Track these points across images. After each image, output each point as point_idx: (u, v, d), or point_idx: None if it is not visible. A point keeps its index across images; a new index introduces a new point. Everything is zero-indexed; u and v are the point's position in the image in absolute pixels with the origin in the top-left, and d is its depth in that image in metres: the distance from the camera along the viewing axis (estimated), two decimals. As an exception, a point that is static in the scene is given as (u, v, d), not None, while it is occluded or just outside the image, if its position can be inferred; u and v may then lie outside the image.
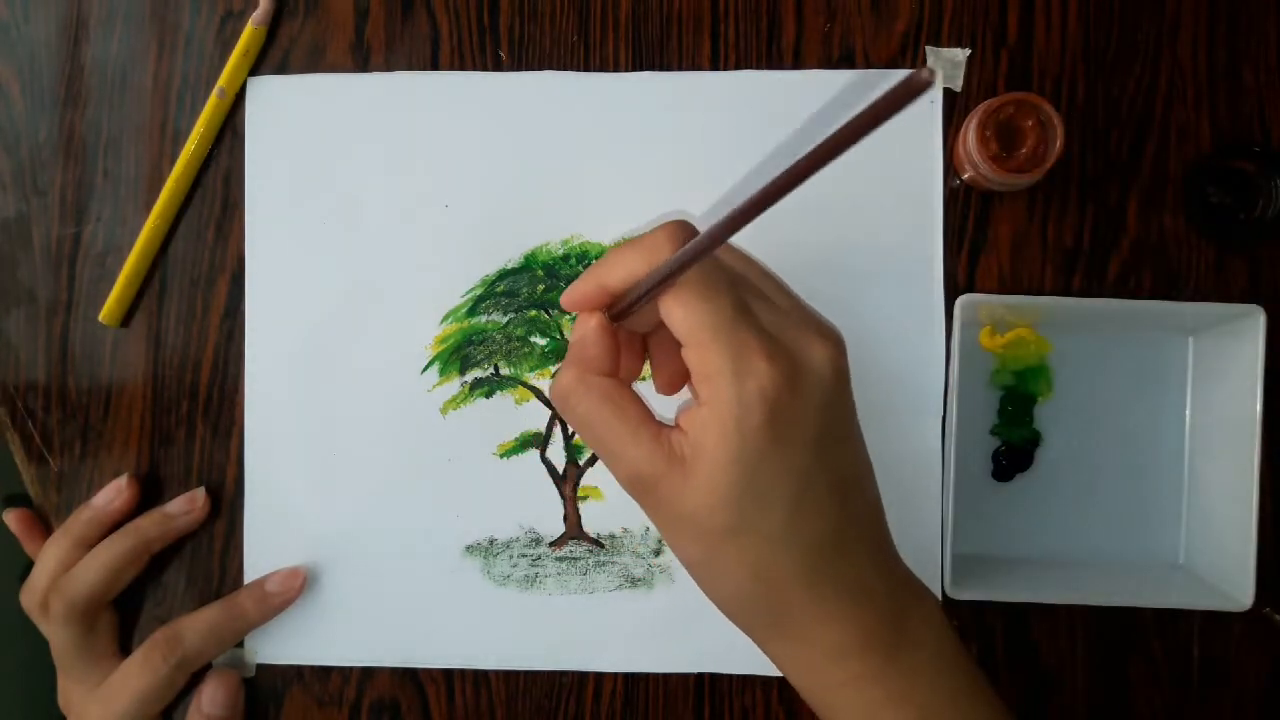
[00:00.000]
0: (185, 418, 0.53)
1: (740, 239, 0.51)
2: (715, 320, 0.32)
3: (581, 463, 0.52)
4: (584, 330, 0.35)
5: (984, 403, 0.51)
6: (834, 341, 0.34)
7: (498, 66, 0.52)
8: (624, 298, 0.34)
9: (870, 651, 0.34)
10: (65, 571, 0.49)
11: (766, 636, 0.35)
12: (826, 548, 0.33)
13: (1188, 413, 0.51)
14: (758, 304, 0.34)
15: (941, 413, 0.50)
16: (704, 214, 0.51)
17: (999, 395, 0.51)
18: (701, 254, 0.31)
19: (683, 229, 0.34)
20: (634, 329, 0.37)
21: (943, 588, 0.49)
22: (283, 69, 0.53)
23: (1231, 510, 0.48)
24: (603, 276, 0.34)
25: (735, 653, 0.51)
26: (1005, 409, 0.51)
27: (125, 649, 0.51)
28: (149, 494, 0.52)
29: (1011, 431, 0.50)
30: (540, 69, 0.52)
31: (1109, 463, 0.51)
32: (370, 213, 0.52)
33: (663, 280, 0.32)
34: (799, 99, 0.51)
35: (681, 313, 0.32)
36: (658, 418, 0.34)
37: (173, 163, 0.52)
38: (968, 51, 0.51)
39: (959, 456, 0.48)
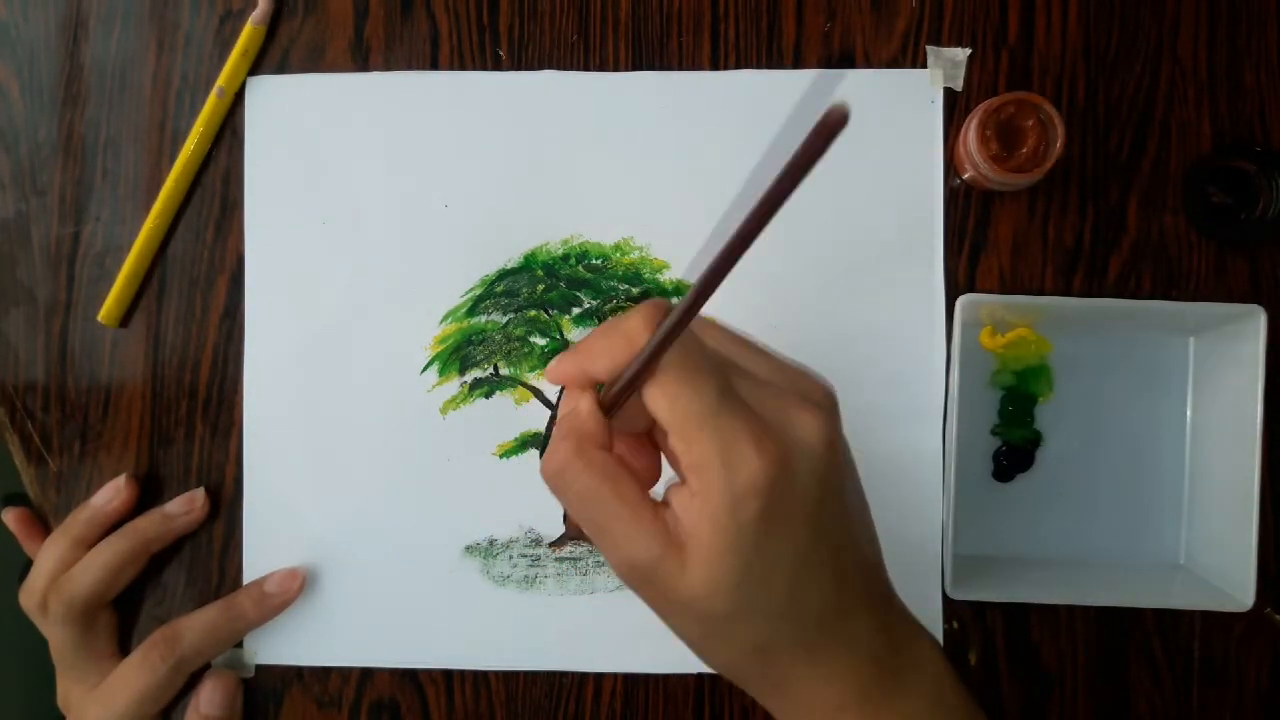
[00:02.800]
0: (184, 418, 0.53)
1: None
2: (700, 409, 0.31)
3: (581, 463, 0.51)
4: (575, 405, 0.34)
5: (984, 403, 0.51)
6: (822, 407, 0.33)
7: (497, 66, 0.52)
8: (610, 386, 0.33)
9: (866, 703, 0.34)
10: (64, 571, 0.49)
11: (763, 696, 0.35)
12: (827, 615, 0.33)
13: (1188, 413, 0.51)
14: (742, 381, 0.33)
15: (942, 412, 0.50)
16: (701, 216, 0.51)
17: (999, 395, 0.51)
18: (677, 330, 0.30)
19: (657, 309, 0.32)
20: (626, 429, 0.36)
21: (943, 588, 0.49)
22: (282, 68, 0.53)
23: (1232, 510, 0.48)
24: (585, 363, 0.33)
25: (735, 653, 0.50)
26: (1006, 409, 0.50)
27: (124, 649, 0.51)
28: (148, 494, 0.52)
29: (1012, 431, 0.50)
30: (540, 69, 0.52)
31: (1110, 463, 0.51)
32: (370, 212, 0.52)
33: (644, 366, 0.31)
34: (799, 99, 0.51)
35: (666, 403, 0.31)
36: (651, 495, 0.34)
37: (172, 162, 0.52)
38: (968, 51, 0.51)
39: (959, 456, 0.48)
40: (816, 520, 0.32)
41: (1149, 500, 0.51)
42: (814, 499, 0.32)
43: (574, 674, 0.51)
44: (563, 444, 0.33)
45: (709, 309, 0.31)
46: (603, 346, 0.33)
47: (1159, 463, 0.51)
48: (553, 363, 0.34)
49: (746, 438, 0.31)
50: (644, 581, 0.32)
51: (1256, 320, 0.47)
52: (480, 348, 0.52)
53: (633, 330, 0.32)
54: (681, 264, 0.51)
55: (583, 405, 0.33)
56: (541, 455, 0.51)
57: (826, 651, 0.33)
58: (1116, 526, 0.51)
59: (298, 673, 0.52)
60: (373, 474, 0.52)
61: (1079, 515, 0.51)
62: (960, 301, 0.48)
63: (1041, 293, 0.50)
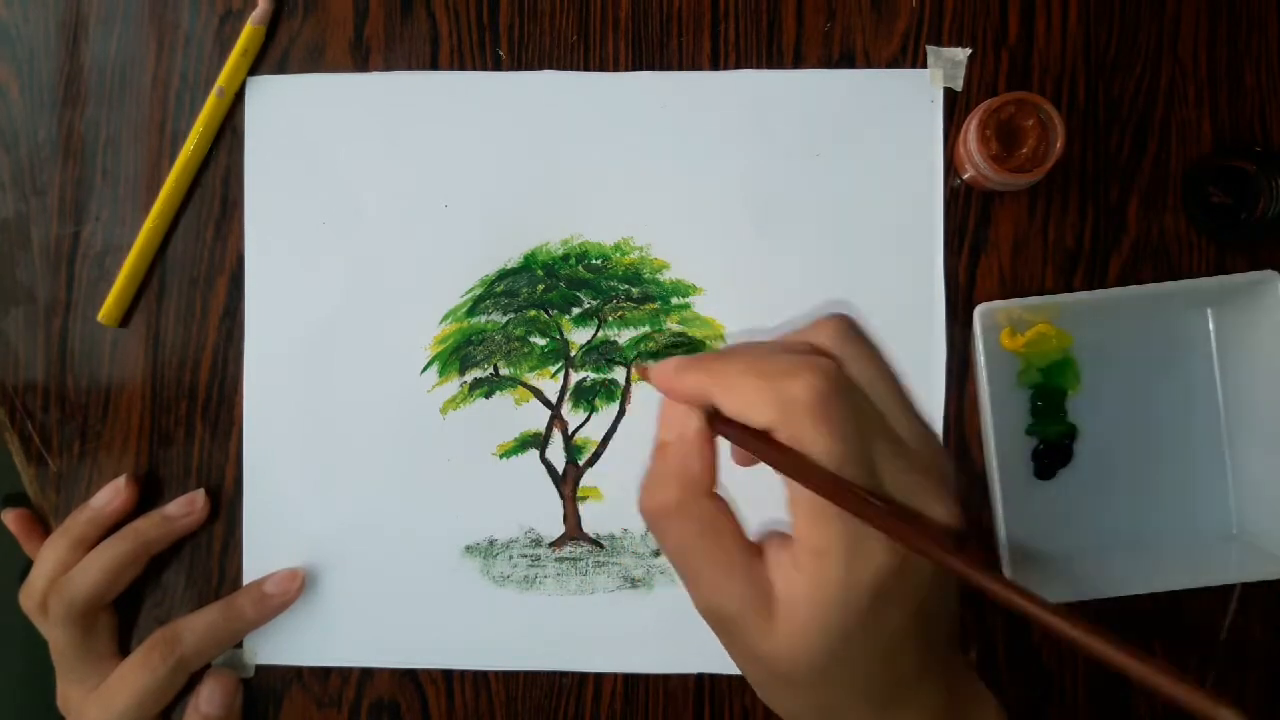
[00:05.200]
0: (184, 418, 0.52)
1: (739, 241, 0.51)
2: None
3: (581, 463, 0.51)
4: (686, 435, 0.30)
5: (1015, 404, 0.50)
6: (953, 495, 0.30)
7: (497, 66, 0.52)
8: (734, 427, 0.30)
9: None
10: (64, 572, 0.49)
11: None
12: (902, 688, 0.32)
13: (1218, 381, 0.50)
14: (885, 457, 0.29)
15: (943, 412, 0.50)
16: (701, 216, 0.51)
17: (1029, 394, 0.50)
18: (840, 503, 0.27)
19: (821, 377, 0.28)
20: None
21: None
22: (282, 68, 0.53)
23: (1276, 472, 0.47)
24: (716, 392, 0.29)
25: (735, 653, 0.50)
26: (1036, 406, 0.50)
27: (124, 650, 0.51)
28: (148, 494, 0.52)
29: (1047, 428, 0.50)
30: (540, 69, 0.52)
31: (1148, 444, 0.50)
32: (370, 213, 0.52)
33: (790, 473, 0.28)
34: (799, 99, 0.51)
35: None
36: (749, 535, 0.31)
37: (172, 162, 0.52)
38: (968, 51, 0.51)
39: (999, 462, 0.48)
40: (919, 608, 0.30)
41: (1193, 475, 0.50)
42: (925, 588, 0.30)
43: (574, 674, 0.51)
44: (666, 486, 0.31)
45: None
46: (747, 388, 0.29)
47: (1197, 435, 0.50)
48: (672, 366, 0.30)
49: (877, 532, 0.28)
50: (722, 628, 0.31)
51: (1273, 286, 0.46)
52: (480, 348, 0.52)
53: (792, 396, 0.28)
54: (682, 264, 0.51)
55: (691, 434, 0.30)
56: (541, 455, 0.51)
57: (893, 714, 0.32)
58: (1165, 506, 0.50)
59: (298, 673, 0.52)
60: (373, 474, 0.52)
61: (1126, 501, 0.50)
62: (978, 311, 0.47)
63: (1042, 293, 0.50)
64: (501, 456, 0.52)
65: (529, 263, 0.52)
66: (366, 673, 0.52)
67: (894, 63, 0.51)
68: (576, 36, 0.52)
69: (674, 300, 0.51)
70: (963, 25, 0.51)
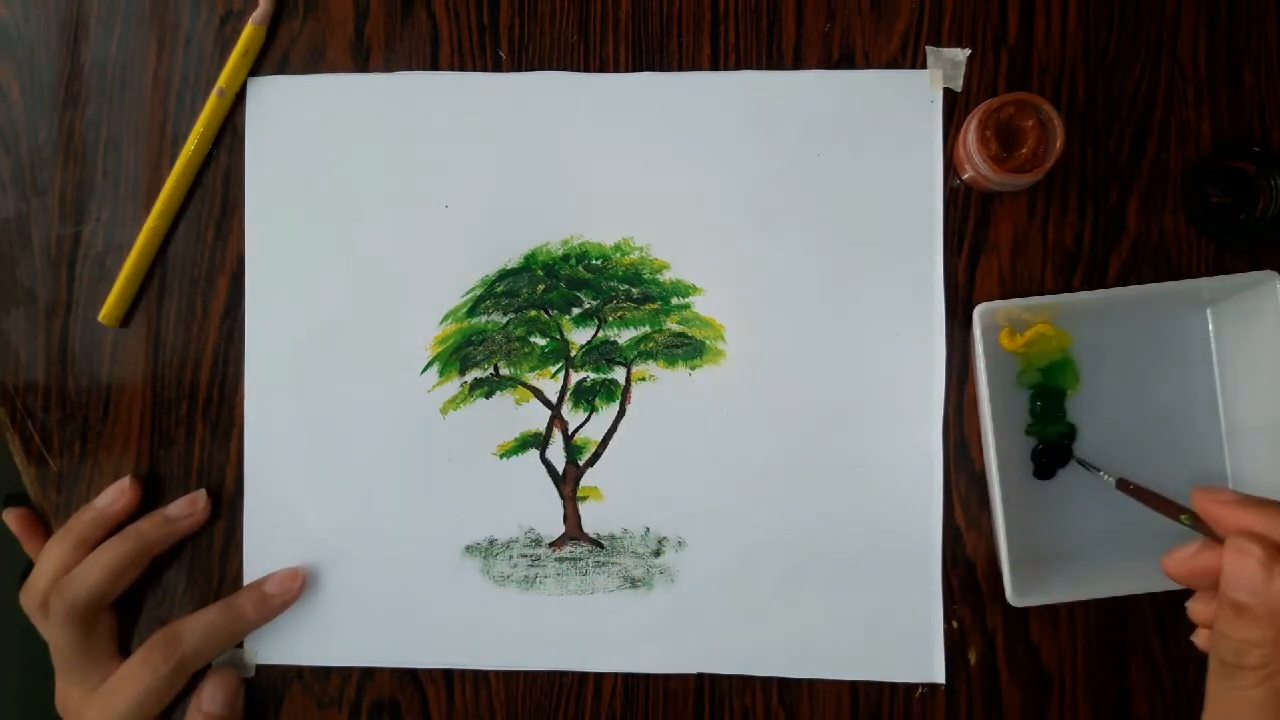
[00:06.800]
0: (185, 418, 0.53)
1: (739, 241, 0.51)
2: None
3: (581, 463, 0.51)
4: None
5: (1014, 404, 0.50)
6: None
7: (498, 66, 0.52)
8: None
9: None
10: (66, 572, 0.49)
11: None
12: None
13: (1217, 381, 0.50)
14: None
15: (942, 412, 0.50)
16: (701, 216, 0.51)
17: (1028, 394, 0.50)
18: None
19: None
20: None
21: (1005, 597, 0.48)
22: (282, 69, 0.53)
23: (1274, 473, 0.47)
24: None
25: (735, 653, 0.51)
26: (1036, 406, 0.50)
27: (124, 650, 0.51)
28: (149, 494, 0.52)
29: (1046, 428, 0.50)
30: (540, 69, 0.52)
31: (1147, 444, 0.50)
32: (370, 213, 0.52)
33: None
34: (799, 99, 0.51)
35: None
36: None
37: (172, 162, 0.52)
38: (968, 51, 0.51)
39: (999, 462, 0.48)
40: None
41: (1192, 474, 0.50)
42: None
43: (574, 674, 0.51)
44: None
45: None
46: None
47: (1196, 435, 0.50)
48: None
49: None
50: None
51: (1272, 286, 0.46)
52: (480, 348, 0.52)
53: None
54: (682, 264, 0.51)
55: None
56: (542, 455, 0.52)
57: None
58: None
59: (298, 673, 0.52)
60: (373, 474, 0.52)
61: (1126, 501, 0.50)
62: (978, 311, 0.47)
63: (1042, 293, 0.50)
64: (501, 456, 0.52)
65: (529, 263, 0.52)
66: (366, 673, 0.52)
67: (894, 63, 0.51)
68: (576, 37, 0.52)
69: (674, 300, 0.51)
70: (962, 25, 0.51)
